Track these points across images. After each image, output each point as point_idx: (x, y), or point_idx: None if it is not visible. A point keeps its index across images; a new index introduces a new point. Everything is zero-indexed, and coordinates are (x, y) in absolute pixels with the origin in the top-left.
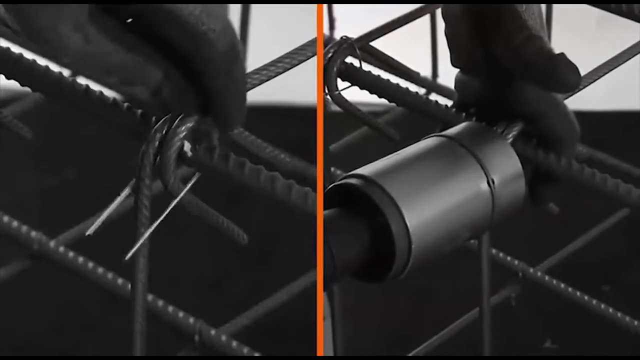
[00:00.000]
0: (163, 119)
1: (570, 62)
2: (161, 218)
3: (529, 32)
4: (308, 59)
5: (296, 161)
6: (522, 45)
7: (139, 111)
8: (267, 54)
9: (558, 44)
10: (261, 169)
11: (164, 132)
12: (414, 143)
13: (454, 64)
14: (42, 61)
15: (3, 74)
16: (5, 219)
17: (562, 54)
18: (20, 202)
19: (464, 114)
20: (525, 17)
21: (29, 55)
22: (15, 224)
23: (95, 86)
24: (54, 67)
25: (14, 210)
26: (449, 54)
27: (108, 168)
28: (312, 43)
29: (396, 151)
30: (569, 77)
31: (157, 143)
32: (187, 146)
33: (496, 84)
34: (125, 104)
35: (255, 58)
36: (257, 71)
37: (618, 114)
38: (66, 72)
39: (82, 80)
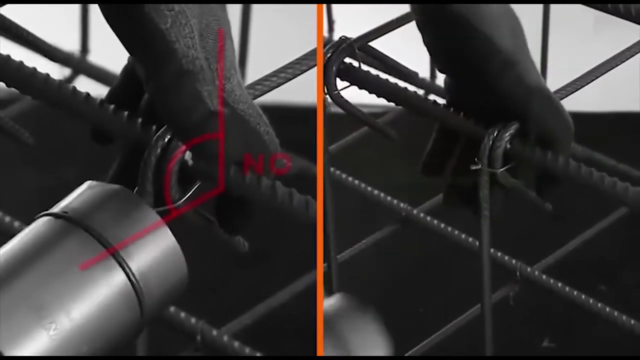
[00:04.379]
0: (164, 128)
1: None
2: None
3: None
4: (310, 68)
5: (302, 162)
6: None
7: (139, 119)
8: (267, 54)
9: (556, 44)
10: (262, 178)
11: (165, 140)
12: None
13: (440, 70)
14: (42, 69)
15: (4, 81)
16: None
17: None
18: (18, 202)
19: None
20: None
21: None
22: (17, 223)
23: (96, 93)
24: (54, 75)
25: (13, 210)
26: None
27: (107, 169)
28: (314, 53)
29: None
30: None
31: (158, 151)
32: (188, 154)
33: (489, 88)
34: (126, 112)
35: (255, 58)
36: (260, 81)
37: (614, 115)
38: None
39: (82, 88)
